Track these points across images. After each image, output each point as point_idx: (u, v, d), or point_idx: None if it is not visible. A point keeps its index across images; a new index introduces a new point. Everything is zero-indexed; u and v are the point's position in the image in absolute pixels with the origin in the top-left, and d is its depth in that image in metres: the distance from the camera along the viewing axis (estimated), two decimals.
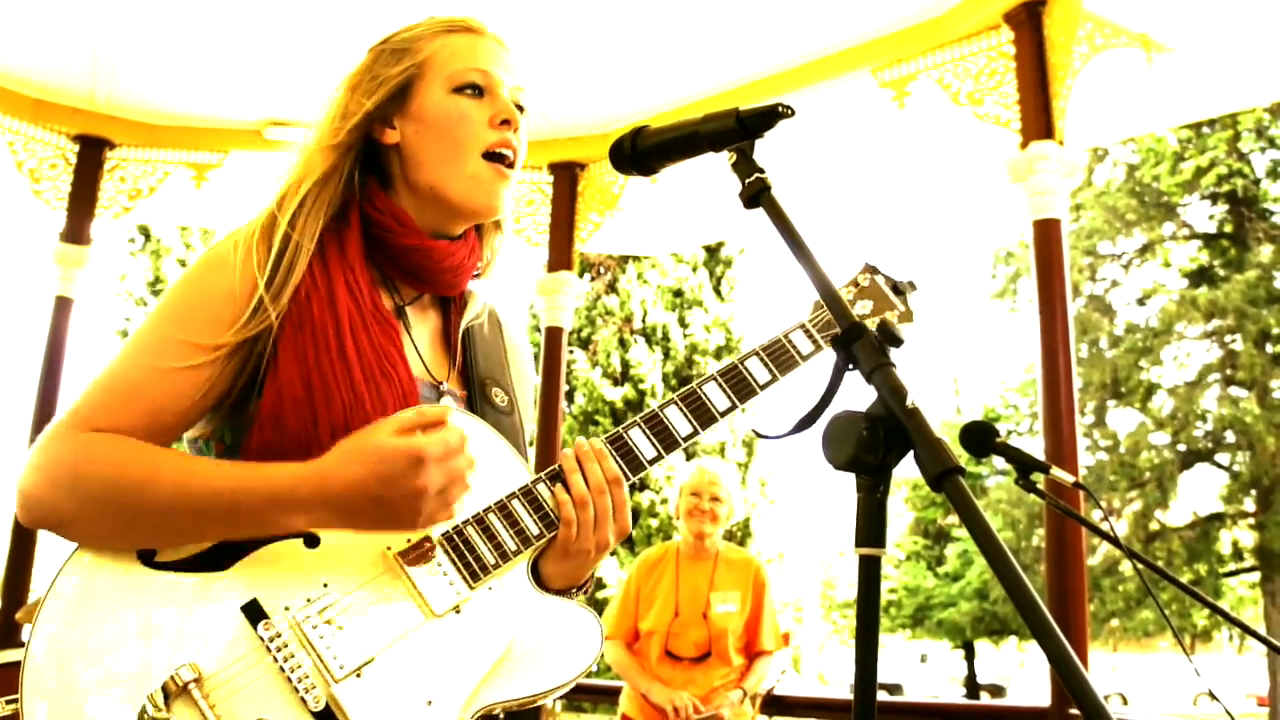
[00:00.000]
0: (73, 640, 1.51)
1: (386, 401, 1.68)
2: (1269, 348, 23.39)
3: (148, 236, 22.83)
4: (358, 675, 1.55)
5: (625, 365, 22.54)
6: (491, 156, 1.79)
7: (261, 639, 1.53)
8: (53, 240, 6.65)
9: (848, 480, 1.21)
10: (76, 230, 6.66)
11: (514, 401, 1.95)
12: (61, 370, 6.55)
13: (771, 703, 5.64)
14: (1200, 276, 25.15)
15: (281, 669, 1.52)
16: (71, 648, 1.50)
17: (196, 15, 5.72)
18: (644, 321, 22.99)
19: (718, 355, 23.15)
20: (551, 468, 1.75)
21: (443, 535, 1.67)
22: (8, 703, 3.49)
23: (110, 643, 1.50)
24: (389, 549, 1.63)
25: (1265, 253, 23.93)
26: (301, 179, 1.77)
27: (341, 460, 1.56)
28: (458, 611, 1.64)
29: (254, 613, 1.55)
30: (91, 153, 6.69)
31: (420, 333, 1.87)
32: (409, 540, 1.65)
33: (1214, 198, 24.94)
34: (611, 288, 23.38)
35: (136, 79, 6.39)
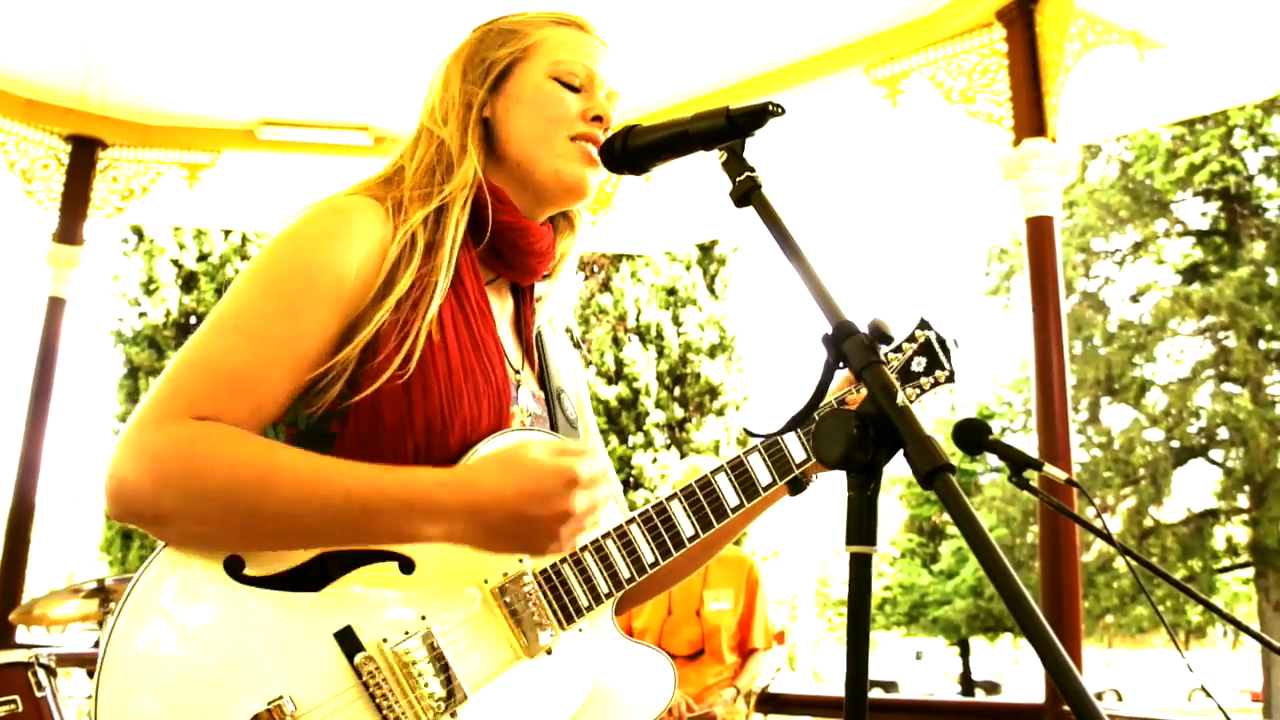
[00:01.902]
0: (154, 659, 1.41)
1: (482, 396, 1.64)
2: (1262, 344, 23.44)
3: (141, 237, 22.81)
4: (453, 716, 1.52)
5: (619, 364, 22.55)
6: (578, 140, 1.76)
7: (358, 673, 1.48)
8: (45, 241, 6.62)
9: (842, 477, 1.21)
10: (69, 231, 6.64)
11: (579, 417, 1.93)
12: (55, 371, 6.53)
13: (766, 700, 5.64)
14: (1193, 273, 25.20)
15: (378, 707, 1.47)
16: (152, 667, 1.41)
17: (189, 14, 5.70)
18: (638, 320, 23.01)
19: (711, 354, 23.17)
20: (643, 509, 1.74)
21: (540, 573, 1.63)
22: (2, 704, 3.48)
23: (196, 663, 1.42)
24: (486, 582, 1.60)
25: (1258, 249, 23.98)
26: (436, 172, 1.72)
27: (489, 470, 1.51)
28: (549, 653, 1.62)
29: (349, 643, 1.49)
30: (84, 153, 6.67)
31: (499, 318, 1.81)
32: (505, 574, 1.61)
33: (1207, 194, 24.98)
34: (605, 286, 23.40)
35: (129, 79, 6.37)
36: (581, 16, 1.85)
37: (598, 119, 1.77)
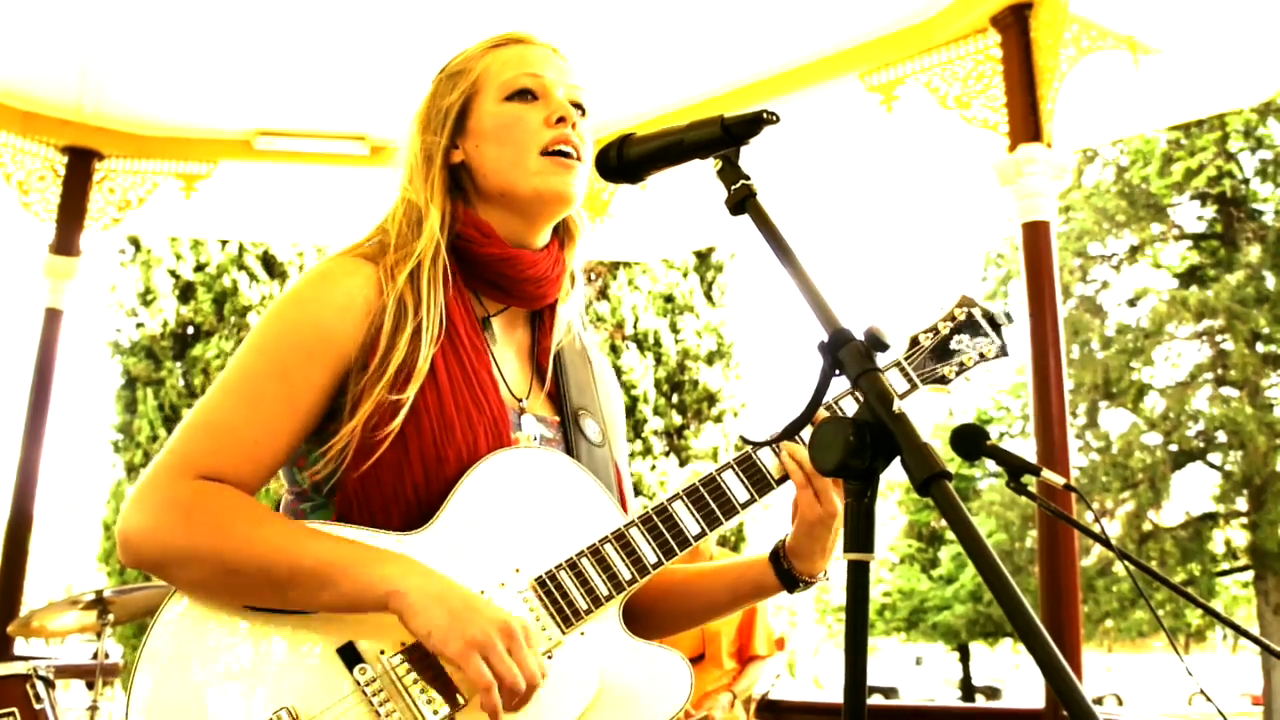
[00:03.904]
0: (174, 680, 1.54)
1: (477, 429, 1.70)
2: (1259, 347, 23.45)
3: (138, 247, 22.77)
4: None
5: (617, 371, 22.48)
6: (550, 153, 1.79)
7: (357, 683, 1.55)
8: (42, 252, 6.63)
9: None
10: (66, 242, 6.64)
11: (605, 433, 1.93)
12: (52, 382, 6.53)
13: (766, 707, 5.64)
14: (1190, 277, 25.22)
15: (377, 714, 1.53)
16: (173, 688, 1.53)
17: (185, 25, 5.71)
18: (635, 327, 22.99)
19: (709, 361, 23.16)
20: (644, 511, 1.74)
21: (536, 580, 1.66)
22: (1, 716, 3.48)
23: (210, 682, 1.54)
24: (482, 592, 1.63)
25: (1254, 253, 23.99)
26: (408, 233, 1.78)
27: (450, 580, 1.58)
28: (549, 657, 1.63)
29: (350, 656, 1.57)
30: (80, 164, 6.68)
31: (505, 348, 1.86)
32: (502, 584, 1.65)
33: (1203, 198, 25.00)
34: (602, 294, 23.39)
35: (125, 89, 6.37)
36: (519, 31, 1.89)
37: (560, 120, 1.79)
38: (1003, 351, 1.96)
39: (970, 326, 1.95)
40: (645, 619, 1.82)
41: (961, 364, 1.93)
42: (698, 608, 1.96)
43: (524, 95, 1.81)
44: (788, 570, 1.85)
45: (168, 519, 1.58)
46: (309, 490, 1.74)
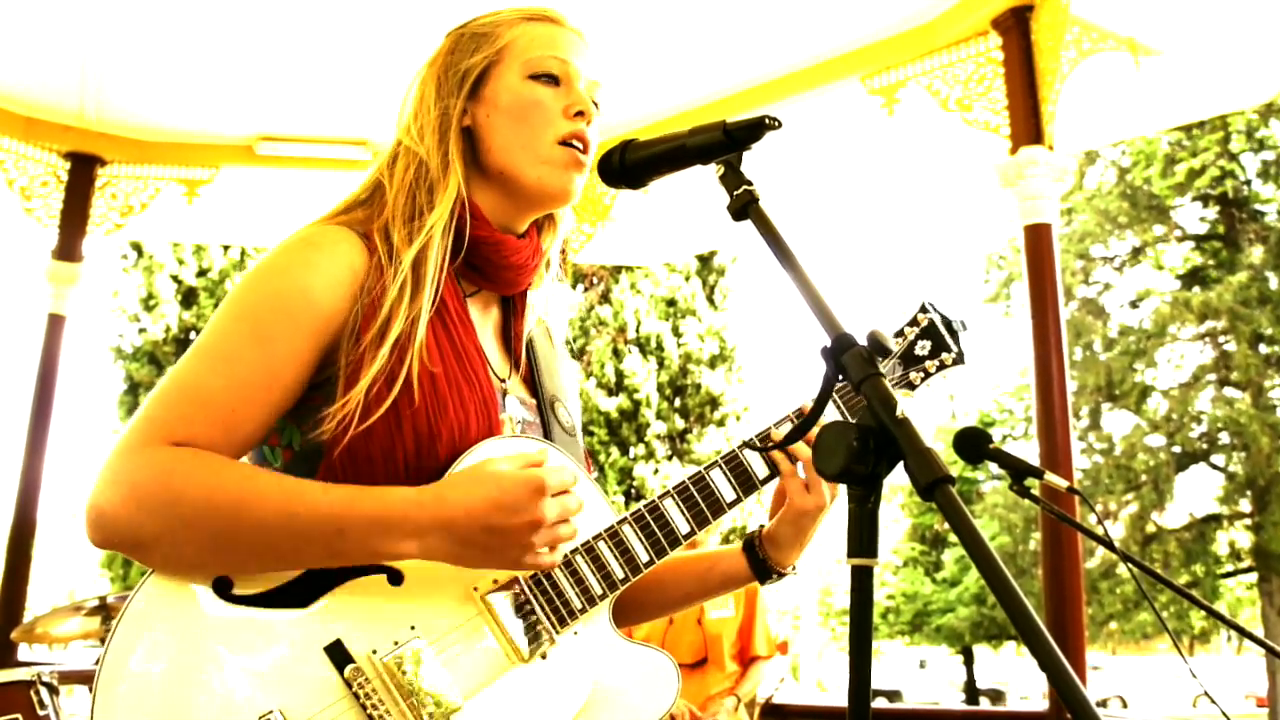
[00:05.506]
0: (147, 680, 1.42)
1: (468, 405, 1.64)
2: (1262, 348, 23.43)
3: (140, 253, 22.82)
4: None
5: (620, 375, 22.54)
6: (564, 144, 1.73)
7: (348, 685, 1.48)
8: (45, 258, 6.64)
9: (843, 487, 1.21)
10: (68, 247, 6.66)
11: (575, 424, 1.92)
12: (55, 387, 6.54)
13: (771, 711, 5.63)
14: (1193, 278, 25.20)
15: (369, 717, 1.48)
16: (145, 689, 1.42)
17: (186, 31, 5.71)
18: (638, 331, 23.01)
19: (712, 364, 23.16)
20: (635, 508, 1.73)
21: (531, 578, 1.63)
22: None
23: (188, 683, 1.43)
24: (476, 589, 1.59)
25: (1257, 254, 23.98)
26: (419, 196, 1.70)
27: (459, 485, 1.50)
28: (544, 657, 1.62)
29: (338, 655, 1.49)
30: (82, 170, 6.69)
31: (483, 328, 1.81)
32: (495, 581, 1.61)
33: (1205, 199, 24.99)
34: (605, 298, 23.40)
35: (127, 95, 6.38)
36: (552, 9, 1.83)
37: (580, 114, 1.75)
38: (959, 359, 1.97)
39: (932, 333, 1.98)
40: (616, 608, 1.81)
41: (925, 370, 1.96)
42: (667, 599, 1.96)
43: (548, 79, 1.75)
44: (763, 560, 1.89)
45: (140, 496, 1.44)
46: (281, 470, 1.63)
